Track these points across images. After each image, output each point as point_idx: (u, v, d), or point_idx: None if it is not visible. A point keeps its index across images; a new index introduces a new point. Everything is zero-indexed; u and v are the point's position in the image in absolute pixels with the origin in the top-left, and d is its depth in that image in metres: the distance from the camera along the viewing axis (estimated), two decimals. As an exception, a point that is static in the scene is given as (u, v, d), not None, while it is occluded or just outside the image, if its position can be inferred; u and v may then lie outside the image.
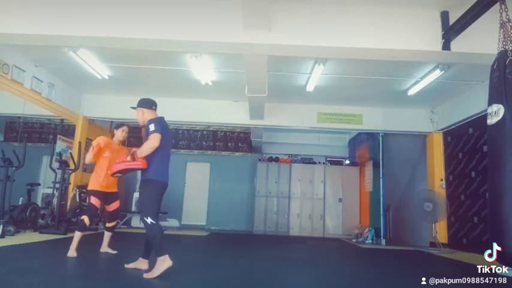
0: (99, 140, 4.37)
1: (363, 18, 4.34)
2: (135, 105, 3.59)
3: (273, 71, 5.99)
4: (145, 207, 3.31)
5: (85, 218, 4.27)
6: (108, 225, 4.68)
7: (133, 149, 3.36)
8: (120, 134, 4.56)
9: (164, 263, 3.18)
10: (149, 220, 3.22)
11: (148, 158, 3.32)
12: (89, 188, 4.46)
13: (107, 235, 4.66)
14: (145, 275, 3.24)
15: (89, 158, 4.35)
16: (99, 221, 7.92)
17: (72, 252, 4.12)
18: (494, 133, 3.67)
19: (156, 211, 3.32)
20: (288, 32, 4.28)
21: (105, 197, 4.48)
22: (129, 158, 3.34)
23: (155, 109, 3.59)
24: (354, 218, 9.63)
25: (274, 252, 6.23)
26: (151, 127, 3.31)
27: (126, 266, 3.62)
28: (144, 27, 4.29)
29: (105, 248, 4.62)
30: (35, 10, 4.28)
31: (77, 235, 4.20)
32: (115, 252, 4.60)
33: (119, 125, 4.67)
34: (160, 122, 3.40)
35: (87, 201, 4.48)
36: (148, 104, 3.57)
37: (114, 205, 4.62)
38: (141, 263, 3.56)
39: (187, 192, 10.51)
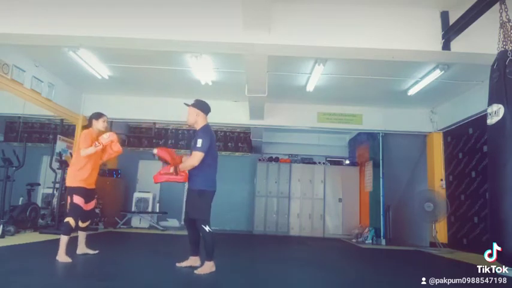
0: (112, 138, 4.10)
1: (363, 18, 4.34)
2: (189, 103, 3.63)
3: (273, 71, 5.99)
4: (203, 216, 3.55)
5: (70, 220, 3.92)
6: (83, 225, 4.26)
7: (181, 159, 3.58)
8: (101, 124, 4.24)
9: (211, 267, 3.51)
10: (207, 229, 3.49)
11: (201, 167, 3.48)
12: (71, 184, 4.03)
13: (82, 235, 4.32)
14: (196, 271, 3.45)
15: (89, 152, 3.95)
16: (99, 221, 7.94)
17: (63, 258, 3.82)
18: (494, 133, 3.68)
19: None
20: (287, 32, 4.29)
21: (86, 194, 4.11)
22: (172, 171, 3.49)
23: (207, 115, 3.69)
24: (354, 218, 9.61)
25: (275, 252, 6.23)
26: (199, 143, 3.43)
27: (178, 264, 3.73)
28: (144, 27, 4.29)
29: (83, 249, 4.30)
30: (35, 10, 4.28)
31: (63, 239, 3.87)
32: (96, 251, 4.35)
33: (98, 114, 4.27)
34: (210, 135, 3.52)
35: (70, 200, 4.04)
36: (206, 109, 3.67)
37: (92, 204, 4.28)
38: (194, 261, 3.73)
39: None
